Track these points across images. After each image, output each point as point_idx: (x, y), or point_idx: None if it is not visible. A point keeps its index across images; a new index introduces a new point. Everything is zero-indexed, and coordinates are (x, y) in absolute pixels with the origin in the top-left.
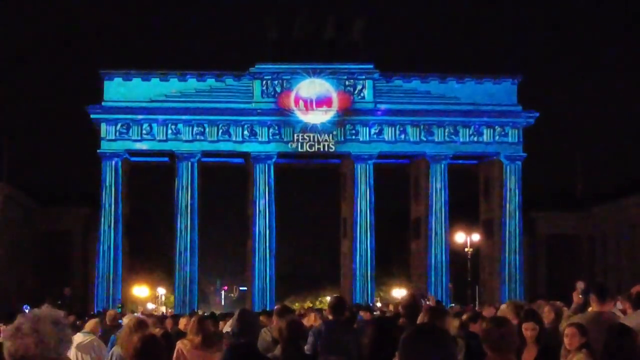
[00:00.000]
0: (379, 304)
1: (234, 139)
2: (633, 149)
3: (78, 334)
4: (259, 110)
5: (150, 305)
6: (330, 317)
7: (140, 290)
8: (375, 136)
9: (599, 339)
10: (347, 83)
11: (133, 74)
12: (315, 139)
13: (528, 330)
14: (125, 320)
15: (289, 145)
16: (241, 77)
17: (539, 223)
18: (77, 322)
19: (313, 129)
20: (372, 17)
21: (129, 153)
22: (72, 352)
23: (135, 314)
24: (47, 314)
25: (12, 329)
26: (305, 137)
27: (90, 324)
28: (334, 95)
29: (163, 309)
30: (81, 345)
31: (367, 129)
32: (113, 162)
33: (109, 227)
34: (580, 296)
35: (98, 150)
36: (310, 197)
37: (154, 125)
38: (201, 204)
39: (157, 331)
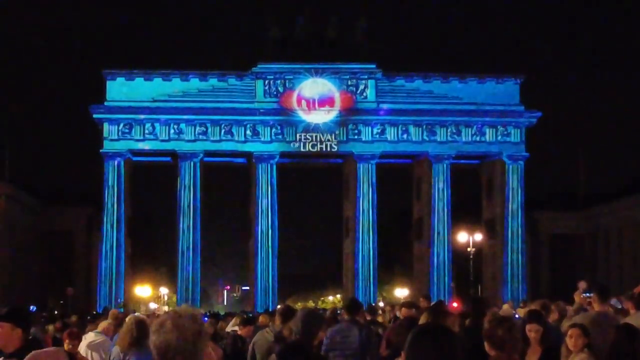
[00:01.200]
0: (381, 304)
1: (236, 138)
2: (635, 148)
3: (90, 333)
4: (261, 110)
5: (153, 305)
6: (345, 317)
7: (142, 290)
8: (377, 136)
9: (601, 339)
10: (349, 83)
11: (135, 73)
12: (318, 139)
13: (532, 331)
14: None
15: (292, 145)
16: (243, 76)
17: (541, 222)
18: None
19: (315, 128)
20: (375, 16)
21: (131, 153)
22: (82, 350)
23: (137, 313)
24: (187, 312)
25: (157, 325)
26: (308, 136)
27: (103, 324)
28: (337, 95)
29: (165, 308)
30: (92, 344)
31: (370, 128)
32: (115, 162)
33: (112, 226)
34: (583, 296)
35: (100, 150)
36: (312, 197)
37: (157, 125)
38: (203, 204)
39: None
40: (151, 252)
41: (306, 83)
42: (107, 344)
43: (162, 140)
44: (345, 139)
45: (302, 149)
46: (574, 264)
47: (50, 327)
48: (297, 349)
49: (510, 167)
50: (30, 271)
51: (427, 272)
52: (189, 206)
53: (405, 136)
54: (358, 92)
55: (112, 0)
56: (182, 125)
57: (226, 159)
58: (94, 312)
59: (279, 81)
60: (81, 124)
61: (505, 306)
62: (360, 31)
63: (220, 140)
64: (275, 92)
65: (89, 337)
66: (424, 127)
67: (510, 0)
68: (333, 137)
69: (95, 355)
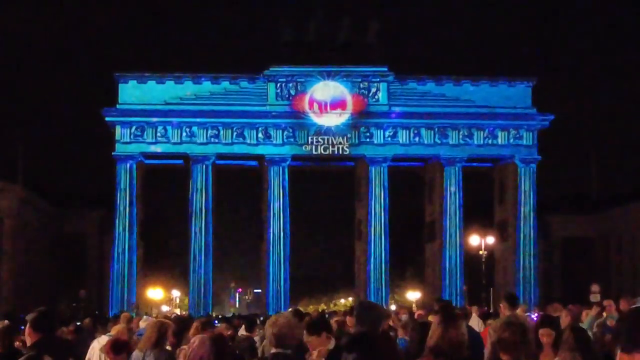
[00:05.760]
0: (393, 307)
1: (248, 141)
2: None
3: (103, 336)
4: (273, 113)
5: (165, 308)
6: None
7: (154, 293)
8: (389, 139)
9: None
10: (361, 85)
11: (148, 76)
12: (330, 142)
13: (544, 336)
14: (142, 324)
15: (304, 147)
16: (256, 79)
17: (553, 226)
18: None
19: (327, 131)
20: (387, 19)
21: (143, 156)
22: (95, 354)
23: (146, 316)
24: (288, 313)
25: (271, 322)
26: (320, 139)
27: (117, 328)
28: (349, 98)
29: (177, 311)
30: None
31: (382, 131)
32: (128, 165)
33: (124, 229)
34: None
35: (113, 153)
36: (324, 200)
37: (169, 127)
38: (215, 207)
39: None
40: (163, 255)
41: (318, 86)
42: None
43: (174, 143)
44: (357, 141)
45: (314, 152)
46: (586, 267)
47: (64, 330)
48: (360, 339)
49: (523, 170)
50: (42, 274)
51: (439, 275)
52: (200, 209)
53: (417, 139)
54: (370, 95)
55: (124, 3)
56: (194, 128)
57: (238, 162)
58: (107, 316)
59: (290, 84)
60: (93, 127)
61: (518, 309)
62: (372, 34)
63: (232, 143)
64: (287, 95)
65: (102, 340)
66: (436, 130)
67: (522, 3)
68: (345, 140)
69: None
